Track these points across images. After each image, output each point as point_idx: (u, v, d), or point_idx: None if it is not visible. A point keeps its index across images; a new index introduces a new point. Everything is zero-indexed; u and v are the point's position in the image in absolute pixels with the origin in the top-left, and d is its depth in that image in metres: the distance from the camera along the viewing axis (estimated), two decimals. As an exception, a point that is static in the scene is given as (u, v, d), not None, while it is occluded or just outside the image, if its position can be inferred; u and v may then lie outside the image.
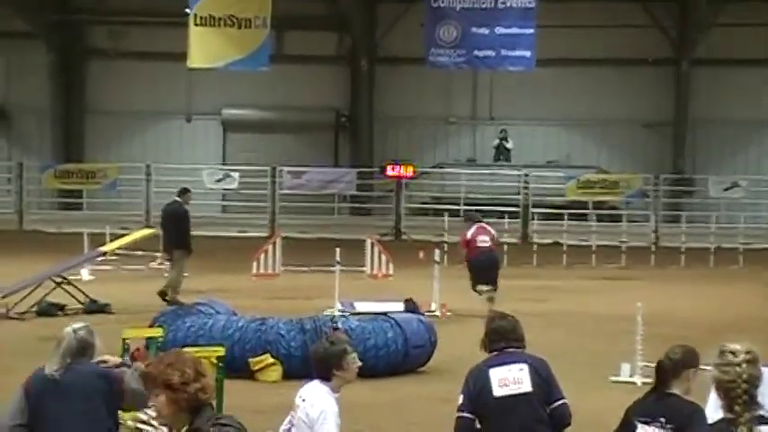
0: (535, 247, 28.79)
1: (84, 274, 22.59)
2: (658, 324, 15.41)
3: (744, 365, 5.20)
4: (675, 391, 5.97)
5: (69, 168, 35.83)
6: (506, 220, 31.70)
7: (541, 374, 6.78)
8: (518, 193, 33.96)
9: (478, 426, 6.80)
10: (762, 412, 5.27)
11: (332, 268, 19.57)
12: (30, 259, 24.05)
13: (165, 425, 4.98)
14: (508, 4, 29.04)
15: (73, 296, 18.77)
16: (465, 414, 6.74)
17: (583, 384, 9.87)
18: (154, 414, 4.83)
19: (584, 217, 33.02)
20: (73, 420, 6.29)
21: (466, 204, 31.14)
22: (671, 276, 25.90)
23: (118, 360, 6.87)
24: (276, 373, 13.70)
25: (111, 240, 23.39)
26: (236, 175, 34.89)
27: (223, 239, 30.82)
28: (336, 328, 13.06)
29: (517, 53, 29.46)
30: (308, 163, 35.29)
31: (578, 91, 35.48)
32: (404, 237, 33.36)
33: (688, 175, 35.29)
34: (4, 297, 17.88)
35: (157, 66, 35.81)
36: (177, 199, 20.54)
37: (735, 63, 34.71)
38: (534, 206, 33.55)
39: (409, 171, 33.94)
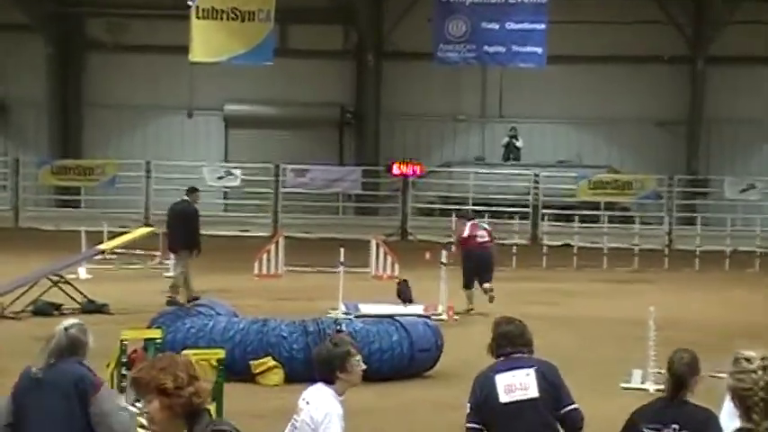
0: (545, 248, 28.69)
1: (82, 272, 22.49)
2: (671, 329, 15.28)
3: (759, 372, 4.99)
4: (688, 398, 6.01)
5: (67, 164, 35.72)
6: (516, 221, 32.10)
7: (549, 379, 6.74)
8: (528, 194, 33.99)
9: None
10: None
11: (336, 269, 19.47)
12: (25, 257, 24.09)
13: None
14: (519, -1, 29.03)
15: (70, 295, 18.77)
16: (472, 425, 6.74)
17: (593, 391, 9.68)
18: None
19: (595, 218, 32.95)
20: (48, 419, 6.34)
21: (474, 204, 31.45)
22: (684, 280, 25.83)
23: None
24: (278, 376, 13.62)
25: (110, 238, 23.44)
26: (238, 172, 34.85)
27: (224, 239, 30.83)
28: (340, 331, 13.17)
29: (528, 49, 29.63)
30: (311, 161, 35.21)
31: (590, 88, 35.39)
32: (410, 237, 33.26)
33: (703, 176, 35.23)
34: None
35: (158, 59, 35.70)
36: (186, 198, 20.60)
37: (751, 61, 34.52)
38: (544, 207, 33.62)
39: (417, 169, 33.88)
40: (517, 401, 6.64)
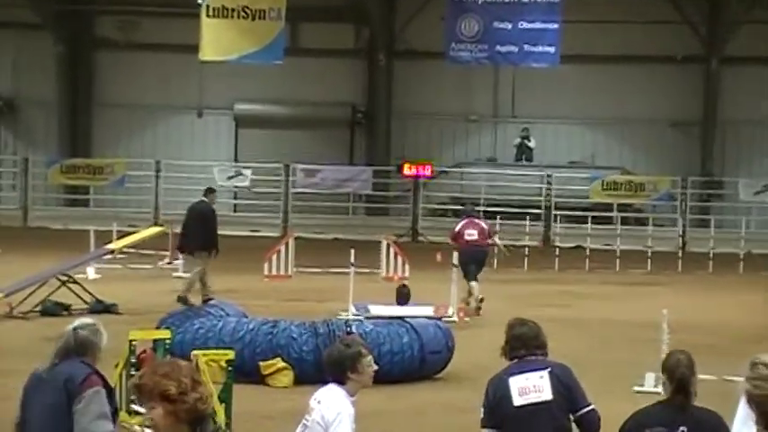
0: (557, 250, 28.53)
1: (91, 272, 22.42)
2: (684, 332, 15.22)
3: None
4: (691, 400, 6.00)
5: (76, 163, 35.69)
6: (528, 223, 31.75)
7: (563, 381, 6.69)
8: (540, 195, 33.85)
9: None
10: None
11: (346, 270, 19.35)
12: (34, 257, 24.08)
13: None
14: (532, -1, 29.12)
15: (78, 295, 18.75)
16: (486, 430, 6.70)
17: (605, 394, 9.73)
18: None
19: (608, 220, 32.84)
20: (41, 418, 6.41)
21: (486, 205, 31.34)
22: (698, 283, 25.72)
23: None
24: (287, 377, 13.56)
25: (119, 238, 23.42)
26: (248, 172, 34.80)
27: (234, 239, 30.57)
28: (350, 332, 13.16)
29: (541, 49, 29.75)
30: (322, 160, 35.13)
31: (604, 89, 35.27)
32: (421, 238, 33.07)
33: (717, 178, 35.08)
34: (7, 296, 17.87)
35: (168, 58, 35.67)
36: (204, 199, 20.61)
37: (766, 61, 34.26)
38: (557, 208, 33.56)
39: (428, 169, 33.82)
40: (531, 404, 6.59)
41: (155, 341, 11.92)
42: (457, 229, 19.87)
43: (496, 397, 6.66)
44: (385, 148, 35.90)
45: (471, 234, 19.65)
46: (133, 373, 10.67)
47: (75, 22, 36.72)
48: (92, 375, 6.35)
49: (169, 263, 24.69)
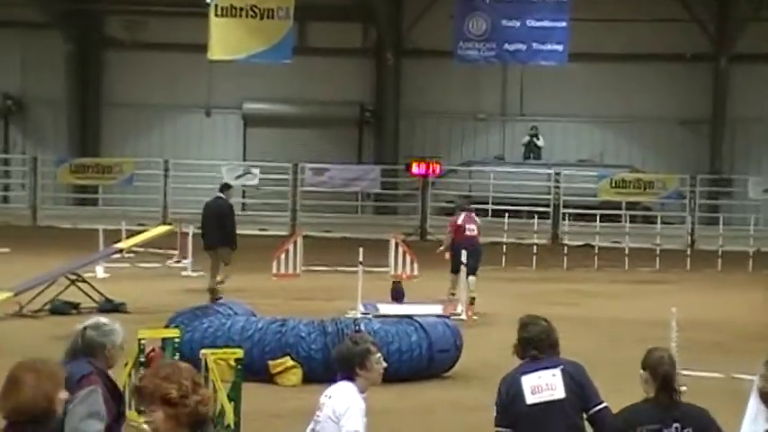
0: (566, 248, 28.54)
1: (99, 271, 22.42)
2: (693, 330, 15.29)
3: None
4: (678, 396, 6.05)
5: (85, 163, 35.74)
6: (536, 221, 31.73)
7: (576, 379, 6.64)
8: (548, 193, 33.80)
9: None
10: None
11: (354, 269, 19.35)
12: (43, 256, 24.10)
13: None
14: (540, -3, 29.06)
15: (87, 294, 18.72)
16: (500, 429, 6.67)
17: (613, 393, 9.57)
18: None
19: (617, 218, 32.78)
20: None
21: (494, 204, 31.02)
22: (707, 281, 25.68)
23: None
24: (296, 376, 13.55)
25: (128, 237, 23.38)
26: (256, 171, 34.82)
27: (242, 238, 30.27)
28: (359, 331, 13.10)
29: (549, 47, 29.59)
30: (330, 159, 35.14)
31: (612, 87, 35.21)
32: (429, 237, 32.96)
33: (726, 176, 34.98)
34: (16, 295, 17.84)
35: (176, 57, 35.68)
36: (221, 195, 20.57)
37: (776, 59, 34.29)
38: (565, 206, 33.49)
39: (437, 168, 33.81)
40: (543, 402, 6.55)
41: (164, 340, 11.83)
42: (460, 221, 19.93)
43: (509, 395, 6.63)
44: (393, 146, 35.87)
45: (471, 230, 19.81)
46: (142, 372, 10.69)
47: (83, 21, 36.75)
48: (91, 375, 6.25)
49: (178, 261, 24.70)
